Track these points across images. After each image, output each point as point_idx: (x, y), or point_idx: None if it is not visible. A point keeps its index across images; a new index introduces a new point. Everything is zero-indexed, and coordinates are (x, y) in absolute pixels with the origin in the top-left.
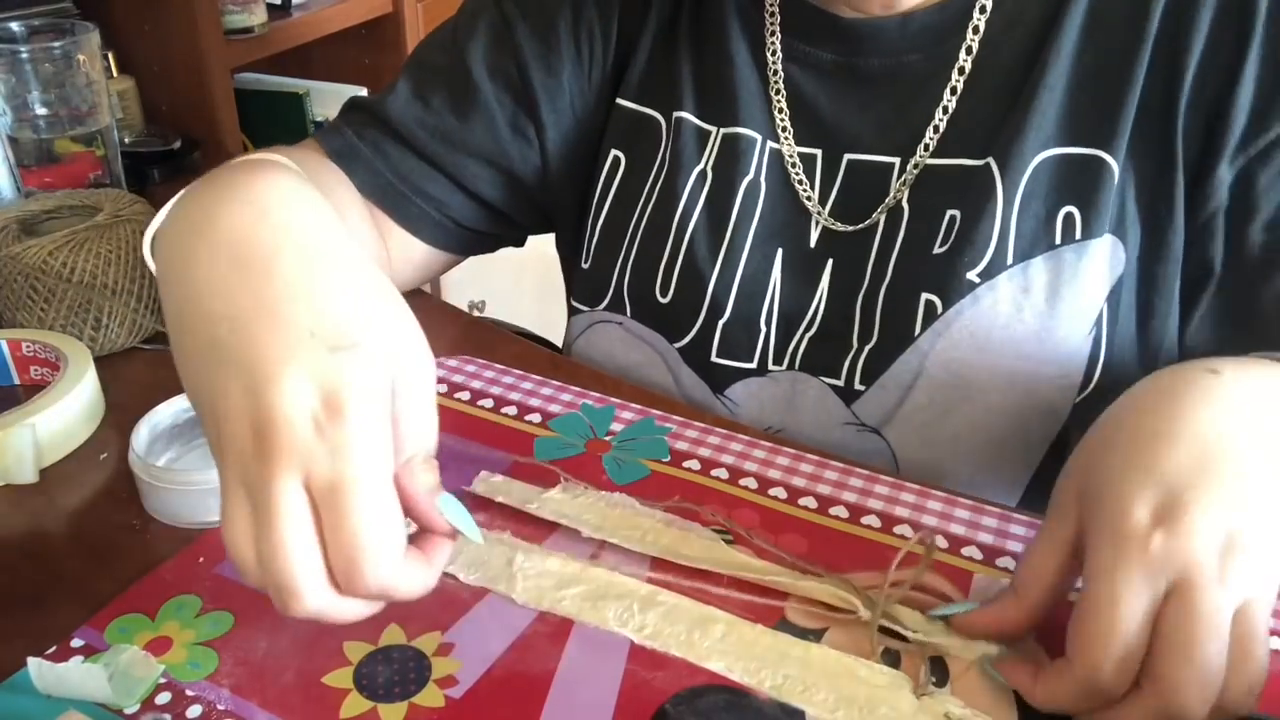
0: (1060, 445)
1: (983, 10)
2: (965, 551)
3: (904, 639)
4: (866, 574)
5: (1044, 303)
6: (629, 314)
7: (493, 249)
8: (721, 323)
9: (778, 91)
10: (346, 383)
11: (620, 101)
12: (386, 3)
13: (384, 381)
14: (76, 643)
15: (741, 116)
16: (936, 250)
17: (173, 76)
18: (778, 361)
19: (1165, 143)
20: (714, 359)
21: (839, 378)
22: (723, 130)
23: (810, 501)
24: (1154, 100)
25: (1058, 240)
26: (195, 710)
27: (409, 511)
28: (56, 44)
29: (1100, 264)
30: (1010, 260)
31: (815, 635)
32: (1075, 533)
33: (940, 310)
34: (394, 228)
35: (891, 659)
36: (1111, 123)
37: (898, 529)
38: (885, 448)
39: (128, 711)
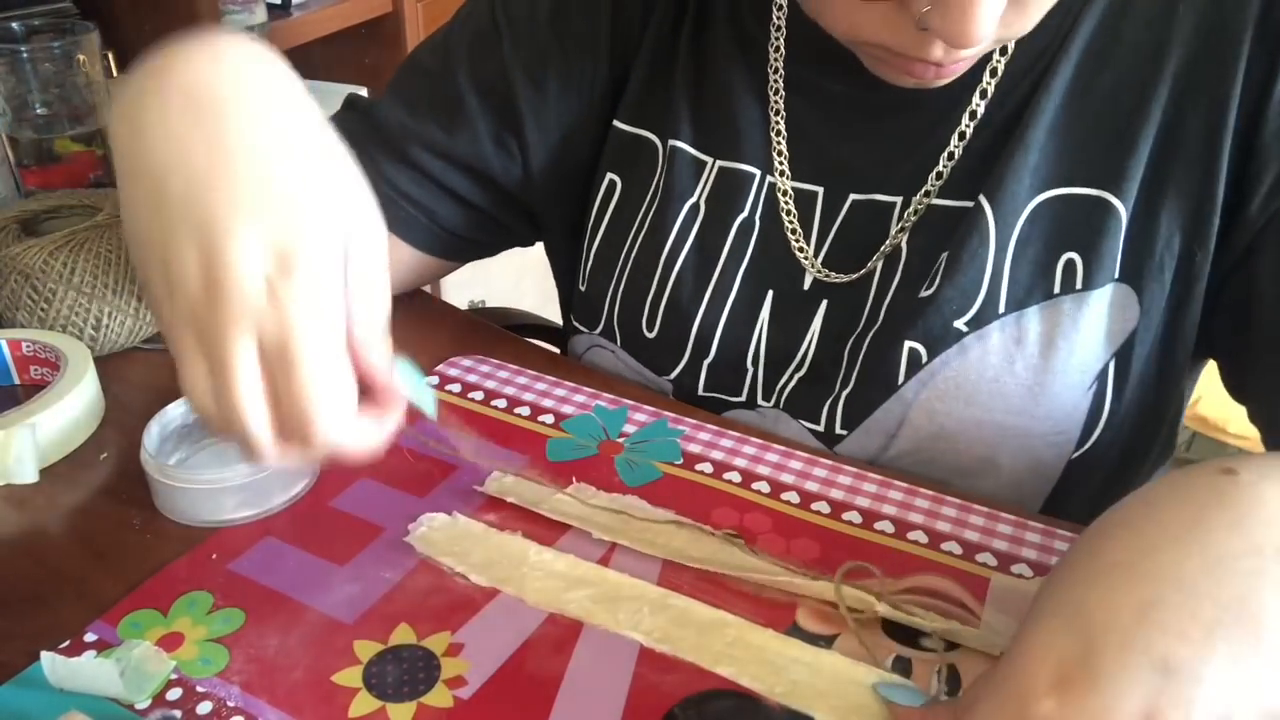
0: (1055, 504)
1: (1003, 52)
2: (980, 558)
3: (921, 636)
4: (879, 580)
5: (1038, 356)
6: (619, 344)
7: (492, 253)
8: (706, 363)
9: (778, 125)
10: (299, 242)
11: (617, 124)
12: (386, 3)
13: (337, 243)
14: (90, 637)
15: (741, 150)
16: (922, 294)
17: None
18: (766, 398)
19: (1206, 181)
20: (701, 393)
21: (818, 422)
22: (719, 163)
23: (823, 506)
24: (1187, 136)
25: (1056, 289)
26: (206, 707)
27: (362, 378)
28: (56, 44)
29: (1101, 315)
30: (1002, 309)
31: (826, 641)
32: None
33: (925, 360)
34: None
35: (903, 667)
36: (1118, 162)
37: (911, 534)
38: None
39: (139, 707)
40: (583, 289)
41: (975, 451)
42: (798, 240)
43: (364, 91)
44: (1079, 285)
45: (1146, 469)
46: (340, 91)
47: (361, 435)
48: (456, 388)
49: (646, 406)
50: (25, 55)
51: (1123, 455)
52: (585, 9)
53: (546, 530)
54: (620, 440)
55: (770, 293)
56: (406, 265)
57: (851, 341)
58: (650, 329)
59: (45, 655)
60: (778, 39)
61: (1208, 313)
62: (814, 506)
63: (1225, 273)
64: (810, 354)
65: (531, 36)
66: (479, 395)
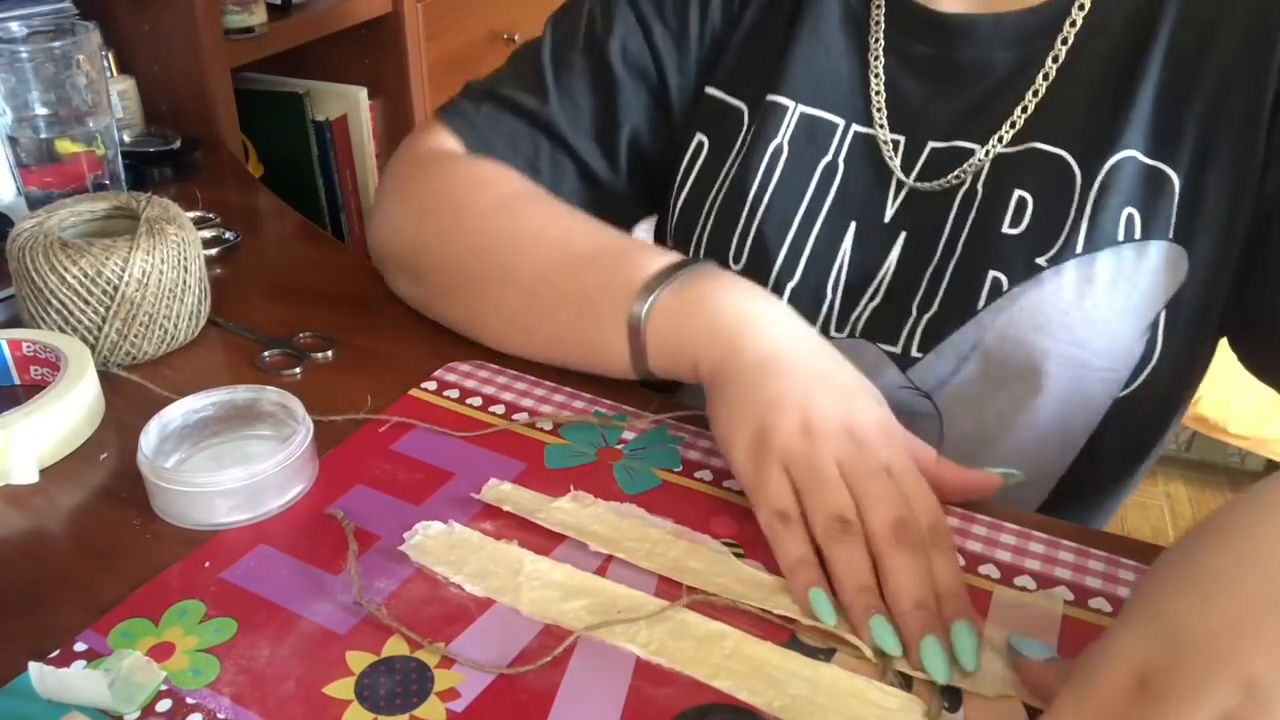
0: (1094, 445)
1: (1073, 25)
2: (982, 569)
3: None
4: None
5: (1104, 295)
6: None
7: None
8: (790, 286)
9: (878, 75)
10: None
11: (710, 90)
12: (386, 3)
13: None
14: (80, 646)
15: (827, 101)
16: (1007, 230)
17: (173, 76)
18: (840, 328)
19: (1248, 155)
20: None
21: (896, 345)
22: (801, 108)
23: None
24: (1230, 116)
25: (1120, 238)
26: (195, 718)
27: None
28: (56, 44)
29: (1159, 268)
30: (1080, 250)
31: (825, 655)
32: None
33: (1006, 288)
34: None
35: (904, 681)
36: (1175, 139)
37: None
38: (934, 412)
39: (128, 718)
40: (669, 243)
41: (1037, 380)
42: (895, 167)
43: (364, 92)
44: (1137, 236)
45: (1168, 431)
46: (340, 92)
47: None
48: (454, 393)
49: (646, 413)
50: (25, 55)
51: (1156, 407)
52: None
53: (543, 539)
54: (619, 447)
55: (853, 224)
56: None
57: (932, 269)
58: (737, 261)
59: (33, 665)
60: (879, 2)
61: (1231, 286)
62: None
63: (1254, 241)
64: (885, 283)
65: (677, 24)
66: (477, 401)
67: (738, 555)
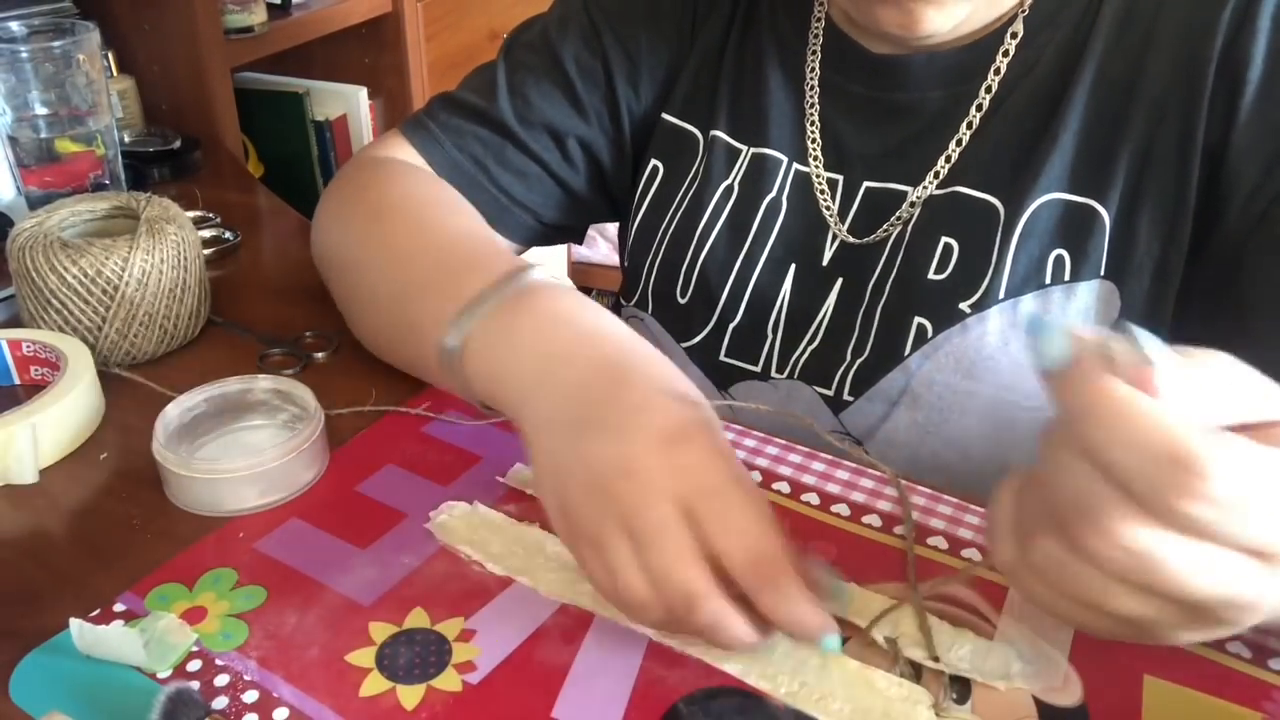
0: None
1: (1005, 54)
2: None
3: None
4: (895, 584)
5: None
6: (650, 311)
7: (578, 240)
8: (732, 326)
9: (812, 120)
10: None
11: (665, 116)
12: (386, 2)
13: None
14: (119, 607)
15: (771, 139)
16: (932, 276)
17: (173, 76)
18: (780, 369)
19: (1179, 194)
20: (722, 358)
21: (829, 387)
22: (752, 150)
23: (844, 509)
24: (1160, 155)
25: (1048, 280)
26: (223, 679)
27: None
28: (56, 44)
29: (1089, 307)
30: (1002, 295)
31: None
32: None
33: (930, 334)
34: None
35: (913, 671)
36: (1105, 175)
37: (931, 540)
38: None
39: (160, 676)
40: (626, 265)
41: (967, 422)
42: (825, 200)
43: (364, 92)
44: (1066, 278)
45: None
46: (340, 91)
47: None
48: None
49: None
50: (25, 55)
51: None
52: (671, 12)
53: None
54: None
55: (793, 265)
56: None
57: (862, 314)
58: (683, 295)
59: (74, 622)
60: (815, 45)
61: (1203, 322)
62: (834, 509)
63: (1213, 286)
64: (825, 325)
65: (627, 36)
66: None
67: None
